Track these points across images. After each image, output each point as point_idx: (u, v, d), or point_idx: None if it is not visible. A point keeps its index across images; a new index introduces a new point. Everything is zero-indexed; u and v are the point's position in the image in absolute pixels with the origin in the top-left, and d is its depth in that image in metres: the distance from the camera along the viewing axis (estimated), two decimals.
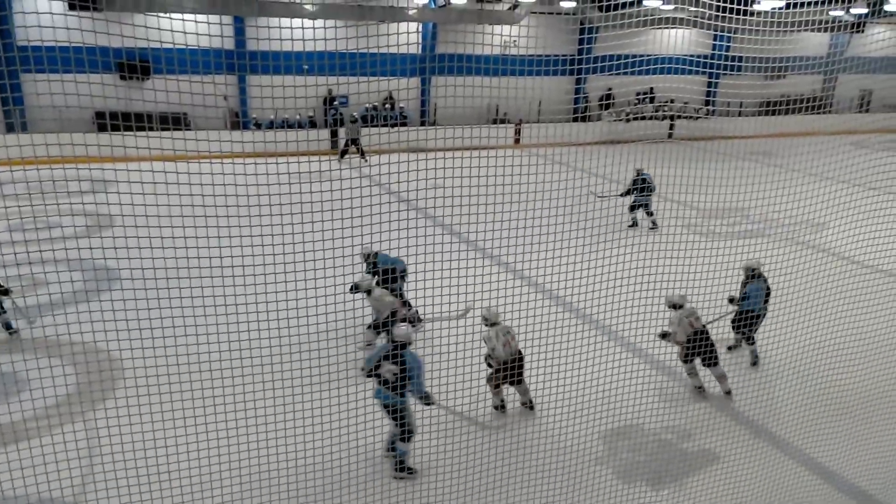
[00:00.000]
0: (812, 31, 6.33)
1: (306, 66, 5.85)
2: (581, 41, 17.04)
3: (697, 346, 7.52)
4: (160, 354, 4.98)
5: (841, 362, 6.85)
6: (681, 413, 7.31)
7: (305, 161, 5.25)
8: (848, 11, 20.31)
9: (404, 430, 6.25)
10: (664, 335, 7.72)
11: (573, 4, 21.70)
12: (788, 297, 6.79)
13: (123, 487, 5.06)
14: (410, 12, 21.09)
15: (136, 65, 9.39)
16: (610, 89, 26.27)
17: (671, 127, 22.69)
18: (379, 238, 5.58)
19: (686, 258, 6.19)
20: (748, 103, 22.02)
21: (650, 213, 14.69)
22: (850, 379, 7.06)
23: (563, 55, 19.29)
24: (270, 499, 5.59)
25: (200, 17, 12.71)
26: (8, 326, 9.02)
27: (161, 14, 4.70)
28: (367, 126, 22.03)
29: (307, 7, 17.19)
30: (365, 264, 9.17)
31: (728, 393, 7.87)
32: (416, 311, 8.83)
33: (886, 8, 21.19)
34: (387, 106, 24.60)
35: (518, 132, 24.32)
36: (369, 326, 8.64)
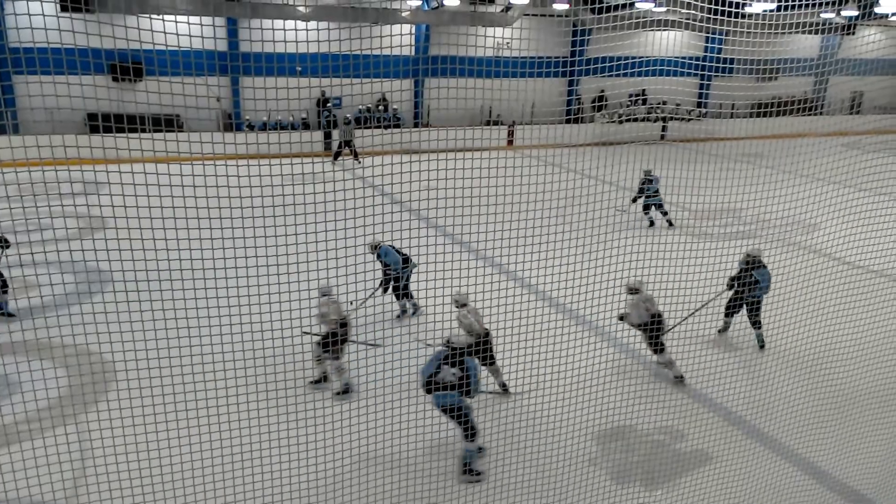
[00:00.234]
0: (803, 33, 6.38)
1: (299, 68, 5.84)
2: (574, 43, 17.06)
3: (652, 331, 7.90)
4: (152, 357, 4.97)
5: (833, 363, 6.89)
6: (674, 414, 7.32)
7: (299, 163, 5.25)
8: (839, 14, 20.44)
9: (468, 429, 6.39)
10: (622, 317, 8.09)
11: (566, 6, 21.75)
12: (780, 298, 6.82)
13: (115, 490, 5.04)
14: (404, 14, 21.10)
15: (128, 66, 9.33)
16: (602, 91, 26.34)
17: (663, 128, 22.76)
18: (372, 240, 5.58)
19: (681, 259, 6.21)
20: (740, 105, 22.10)
21: (665, 213, 15.12)
22: (842, 379, 7.09)
23: (556, 57, 19.32)
24: (264, 501, 5.58)
25: (193, 19, 12.68)
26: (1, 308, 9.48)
27: (154, 16, 4.69)
28: (360, 128, 22.02)
29: (300, 9, 17.19)
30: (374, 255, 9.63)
31: (679, 378, 8.15)
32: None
33: (877, 10, 21.33)
34: (380, 108, 24.59)
35: (511, 134, 24.36)
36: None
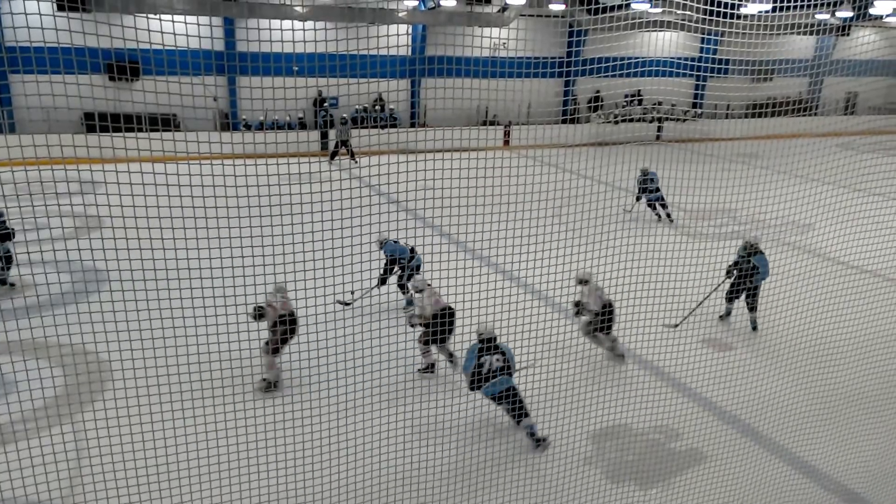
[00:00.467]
0: (798, 34, 6.40)
1: (296, 68, 5.85)
2: (570, 44, 17.09)
3: (605, 317, 8.20)
4: (149, 356, 4.96)
5: (827, 362, 6.92)
6: (668, 413, 7.35)
7: (295, 162, 5.25)
8: (834, 15, 20.50)
9: (522, 406, 6.80)
10: (577, 304, 8.43)
11: (562, 7, 21.77)
12: (775, 297, 6.85)
13: (112, 490, 5.04)
14: (400, 14, 21.08)
15: (125, 66, 9.35)
16: (598, 91, 26.37)
17: (659, 129, 22.80)
18: (369, 239, 5.59)
19: (679, 259, 6.24)
20: (735, 105, 22.17)
21: (664, 206, 15.33)
22: (837, 378, 7.12)
23: (552, 57, 19.33)
24: (260, 500, 5.59)
25: (190, 18, 12.67)
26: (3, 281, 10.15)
27: (150, 15, 4.69)
28: (357, 127, 22.01)
29: (297, 9, 17.18)
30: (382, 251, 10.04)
31: (621, 356, 8.56)
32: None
33: (871, 11, 21.40)
34: (377, 107, 24.59)
35: (507, 134, 24.37)
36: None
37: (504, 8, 21.82)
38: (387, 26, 21.04)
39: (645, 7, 17.51)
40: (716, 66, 6.87)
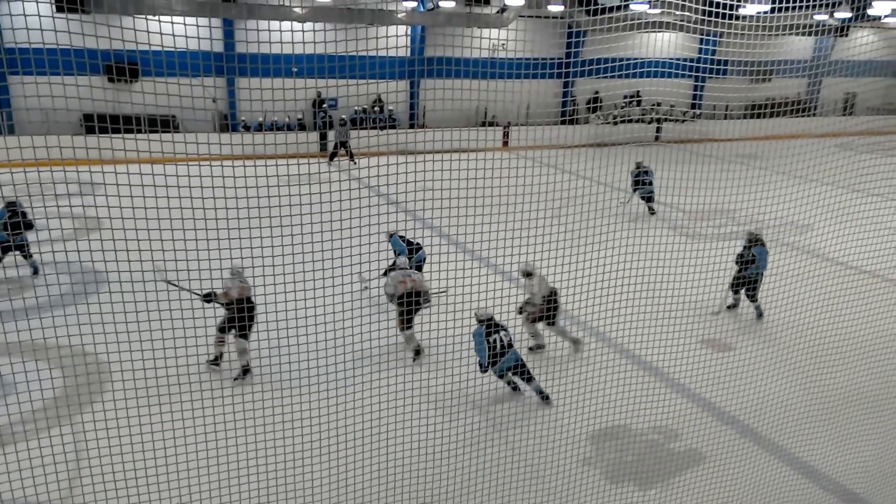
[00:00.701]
0: (797, 35, 6.41)
1: (295, 69, 5.85)
2: (569, 45, 17.10)
3: (550, 307, 8.31)
4: (148, 357, 4.96)
5: (826, 362, 6.92)
6: (668, 413, 7.35)
7: (294, 164, 5.26)
8: (832, 15, 20.51)
9: (529, 371, 7.34)
10: (525, 304, 8.48)
11: (561, 8, 21.77)
12: (774, 297, 6.85)
13: (111, 491, 5.03)
14: (399, 15, 21.08)
15: (124, 67, 9.35)
16: (597, 92, 26.37)
17: (658, 130, 22.82)
18: (368, 240, 5.60)
19: (677, 260, 6.25)
20: (734, 106, 22.18)
21: (649, 201, 15.53)
22: (836, 379, 7.13)
23: (551, 58, 19.34)
24: (260, 500, 5.58)
25: (189, 20, 12.68)
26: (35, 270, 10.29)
27: (149, 16, 4.69)
28: (356, 129, 22.00)
29: (296, 10, 17.17)
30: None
31: (576, 342, 8.60)
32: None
33: (870, 12, 21.41)
34: (376, 109, 24.59)
35: (506, 135, 24.38)
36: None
37: (503, 9, 21.82)
38: (386, 27, 21.01)
39: (644, 8, 17.52)
40: (714, 66, 6.88)
